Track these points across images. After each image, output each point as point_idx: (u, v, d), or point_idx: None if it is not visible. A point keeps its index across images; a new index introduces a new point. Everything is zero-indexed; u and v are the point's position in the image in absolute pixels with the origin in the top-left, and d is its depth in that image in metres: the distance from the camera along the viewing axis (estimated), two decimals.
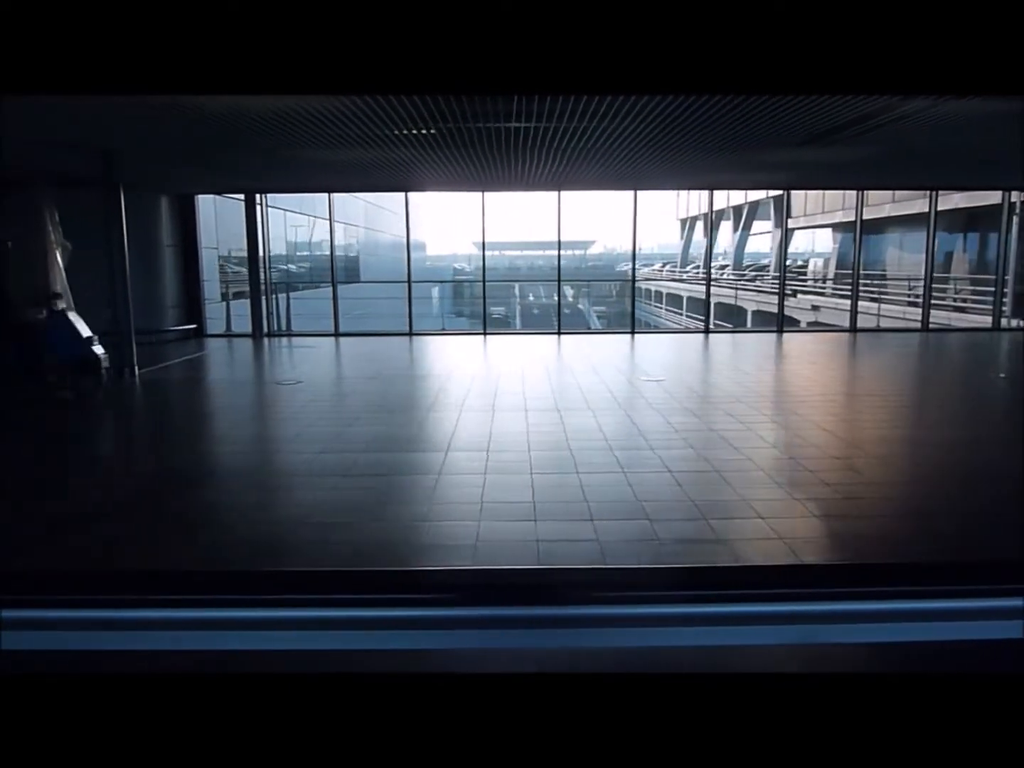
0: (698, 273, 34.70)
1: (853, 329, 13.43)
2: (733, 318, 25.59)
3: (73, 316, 7.45)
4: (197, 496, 4.63)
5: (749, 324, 24.86)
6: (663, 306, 34.84)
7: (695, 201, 36.55)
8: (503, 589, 1.20)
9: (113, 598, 1.18)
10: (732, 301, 27.43)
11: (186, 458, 5.55)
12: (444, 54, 0.73)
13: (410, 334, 13.32)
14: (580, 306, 42.21)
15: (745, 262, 31.53)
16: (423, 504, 4.36)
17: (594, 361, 10.35)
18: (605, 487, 4.57)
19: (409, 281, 13.28)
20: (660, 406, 7.00)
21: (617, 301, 36.93)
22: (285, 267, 18.33)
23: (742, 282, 28.55)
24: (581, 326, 31.91)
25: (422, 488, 4.60)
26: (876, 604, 1.13)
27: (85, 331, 7.45)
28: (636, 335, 13.41)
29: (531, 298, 45.64)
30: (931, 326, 13.41)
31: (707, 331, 13.89)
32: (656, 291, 36.65)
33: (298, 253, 20.89)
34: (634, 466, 5.03)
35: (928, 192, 16.72)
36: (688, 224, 37.73)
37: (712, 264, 35.77)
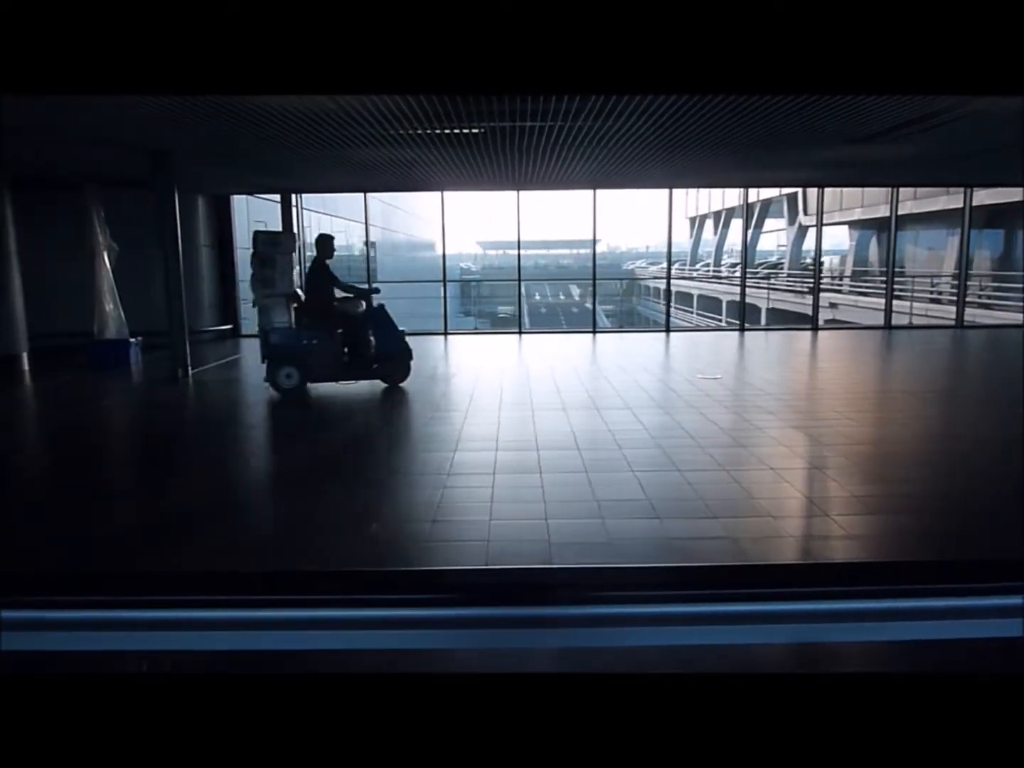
0: (708, 271, 34.76)
1: (888, 326, 13.47)
2: (747, 316, 25.60)
3: (389, 311, 8.12)
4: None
5: (763, 322, 24.87)
6: (672, 304, 34.86)
7: (704, 199, 36.57)
8: (503, 589, 1.20)
9: (113, 599, 1.17)
10: (745, 299, 27.42)
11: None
12: (460, 55, 0.74)
13: (444, 333, 13.32)
14: (587, 305, 42.19)
15: (756, 260, 31.55)
16: (537, 503, 4.37)
17: (642, 360, 10.39)
18: (713, 484, 4.60)
19: (444, 280, 13.29)
20: (731, 404, 7.02)
21: (623, 300, 37.01)
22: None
23: (756, 280, 28.55)
24: (589, 324, 31.94)
25: (530, 486, 4.61)
26: (876, 603, 1.13)
27: (399, 325, 8.15)
28: (671, 333, 13.44)
29: (537, 297, 45.62)
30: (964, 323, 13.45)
31: (742, 329, 13.93)
32: (664, 289, 36.72)
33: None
34: (732, 464, 5.06)
35: (950, 189, 16.80)
36: (697, 222, 37.74)
37: (722, 262, 35.62)
